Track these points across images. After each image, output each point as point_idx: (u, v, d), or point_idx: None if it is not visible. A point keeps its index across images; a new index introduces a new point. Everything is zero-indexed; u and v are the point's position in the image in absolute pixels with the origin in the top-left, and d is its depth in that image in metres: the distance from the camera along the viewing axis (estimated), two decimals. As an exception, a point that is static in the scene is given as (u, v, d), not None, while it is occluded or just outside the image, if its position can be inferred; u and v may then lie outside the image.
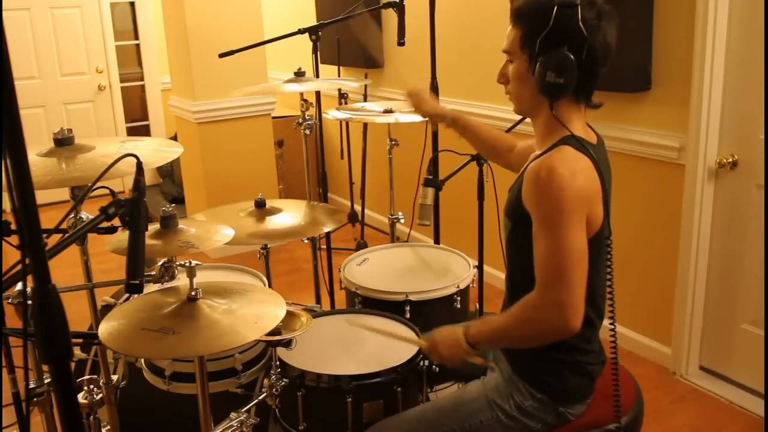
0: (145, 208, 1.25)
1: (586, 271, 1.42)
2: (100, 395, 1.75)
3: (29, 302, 0.98)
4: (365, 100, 4.30)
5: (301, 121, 2.67)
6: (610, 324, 1.50)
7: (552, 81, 1.43)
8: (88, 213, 1.55)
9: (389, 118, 2.72)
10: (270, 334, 1.51)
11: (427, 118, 2.11)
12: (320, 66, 2.82)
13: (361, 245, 3.97)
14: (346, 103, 4.21)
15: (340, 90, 4.23)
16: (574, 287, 1.39)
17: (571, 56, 1.41)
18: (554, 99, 1.48)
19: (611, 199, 1.60)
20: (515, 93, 1.59)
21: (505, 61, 1.59)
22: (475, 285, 2.40)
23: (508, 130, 2.22)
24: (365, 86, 4.33)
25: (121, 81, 6.03)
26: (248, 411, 1.68)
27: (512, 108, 1.64)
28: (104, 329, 1.41)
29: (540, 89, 1.47)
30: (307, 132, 2.68)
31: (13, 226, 1.28)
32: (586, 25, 1.41)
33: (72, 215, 1.57)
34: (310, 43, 2.76)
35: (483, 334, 1.54)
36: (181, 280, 1.63)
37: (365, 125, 4.25)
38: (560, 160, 1.44)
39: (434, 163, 2.49)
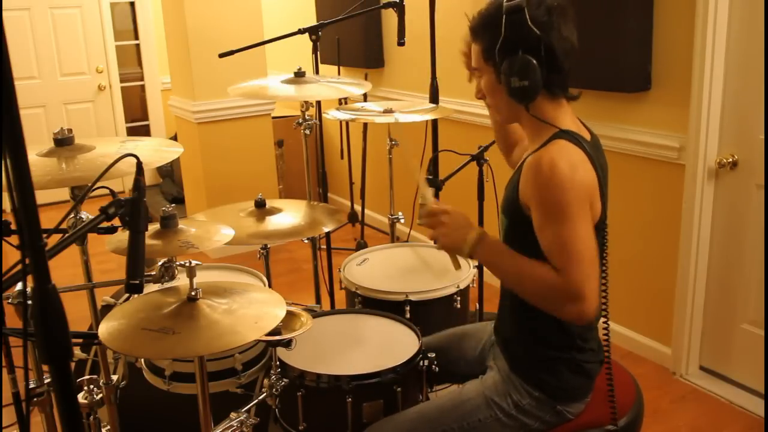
0: (145, 208, 1.25)
1: (598, 265, 1.44)
2: (100, 395, 1.75)
3: (29, 302, 0.98)
4: (365, 100, 4.29)
5: (301, 121, 2.67)
6: (603, 317, 1.51)
7: (518, 85, 1.47)
8: (88, 213, 1.55)
9: (389, 118, 2.72)
10: (270, 334, 1.51)
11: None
12: (320, 66, 2.82)
13: (361, 245, 3.96)
14: (346, 103, 4.20)
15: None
16: (589, 277, 1.40)
17: (530, 57, 1.44)
18: (527, 101, 1.51)
19: (608, 196, 1.60)
20: (494, 105, 1.64)
21: (478, 77, 1.63)
22: (475, 285, 2.40)
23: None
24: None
25: (121, 81, 6.02)
26: (248, 411, 1.68)
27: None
28: (104, 329, 1.41)
29: (510, 96, 1.50)
30: (307, 132, 2.68)
31: (13, 226, 1.28)
32: (537, 23, 1.44)
33: (72, 215, 1.57)
34: (310, 43, 2.76)
35: (488, 258, 1.55)
36: (181, 280, 1.63)
37: (365, 125, 4.25)
38: (559, 153, 1.45)
39: (434, 163, 2.49)
